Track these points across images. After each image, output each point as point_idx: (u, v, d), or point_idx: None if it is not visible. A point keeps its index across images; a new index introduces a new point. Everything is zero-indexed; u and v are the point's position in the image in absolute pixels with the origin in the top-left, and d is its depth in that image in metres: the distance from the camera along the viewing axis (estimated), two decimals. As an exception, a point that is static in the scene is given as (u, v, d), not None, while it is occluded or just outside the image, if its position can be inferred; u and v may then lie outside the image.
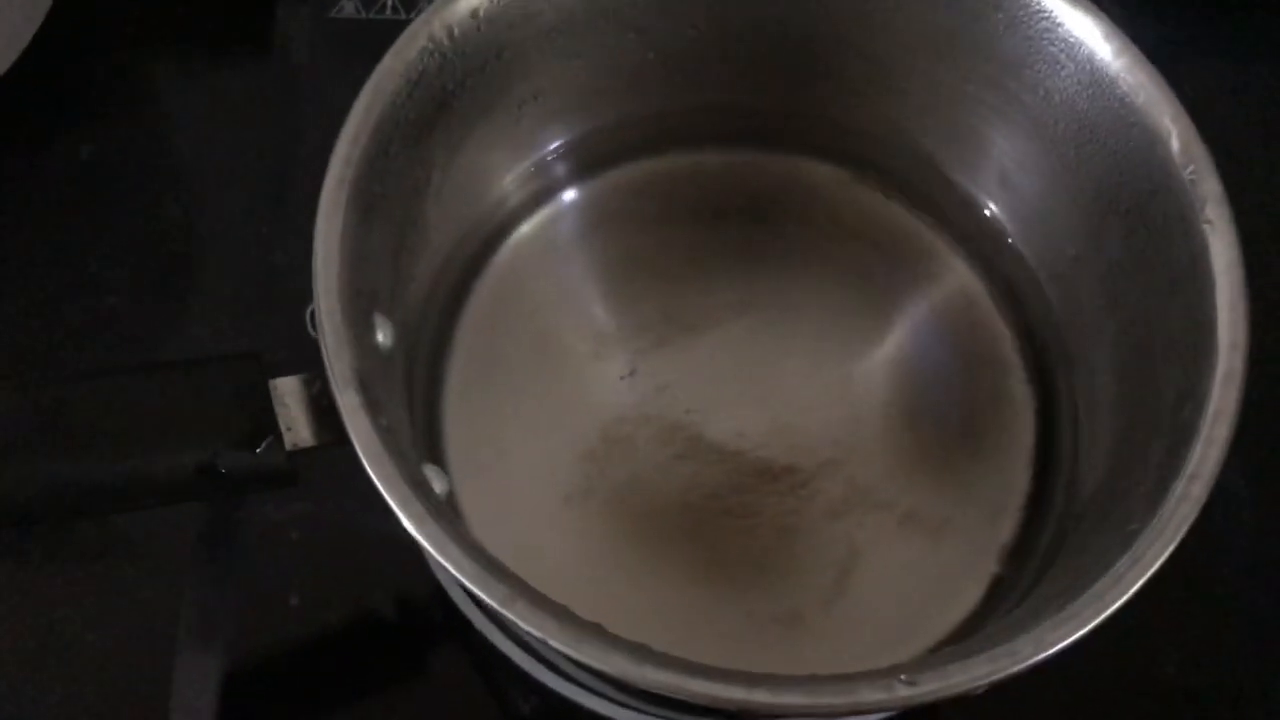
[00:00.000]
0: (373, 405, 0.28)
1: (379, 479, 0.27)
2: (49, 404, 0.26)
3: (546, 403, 0.38)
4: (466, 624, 0.37)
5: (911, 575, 0.37)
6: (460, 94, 0.34)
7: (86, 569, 0.39)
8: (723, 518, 0.37)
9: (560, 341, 0.39)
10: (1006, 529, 0.37)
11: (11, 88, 0.47)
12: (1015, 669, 0.26)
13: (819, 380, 0.39)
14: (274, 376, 0.29)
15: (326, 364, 0.28)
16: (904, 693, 0.26)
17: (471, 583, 0.26)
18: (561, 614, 0.26)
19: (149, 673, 0.37)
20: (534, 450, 0.38)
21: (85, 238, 0.46)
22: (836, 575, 0.37)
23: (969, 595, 0.36)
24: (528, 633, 0.26)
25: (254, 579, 0.38)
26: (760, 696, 0.26)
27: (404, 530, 0.36)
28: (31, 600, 0.38)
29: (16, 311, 0.44)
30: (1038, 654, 0.26)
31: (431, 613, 0.38)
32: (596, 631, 0.26)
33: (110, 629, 0.38)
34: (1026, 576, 0.36)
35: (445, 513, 0.27)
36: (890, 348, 0.40)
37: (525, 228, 0.40)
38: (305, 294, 0.42)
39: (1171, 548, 0.27)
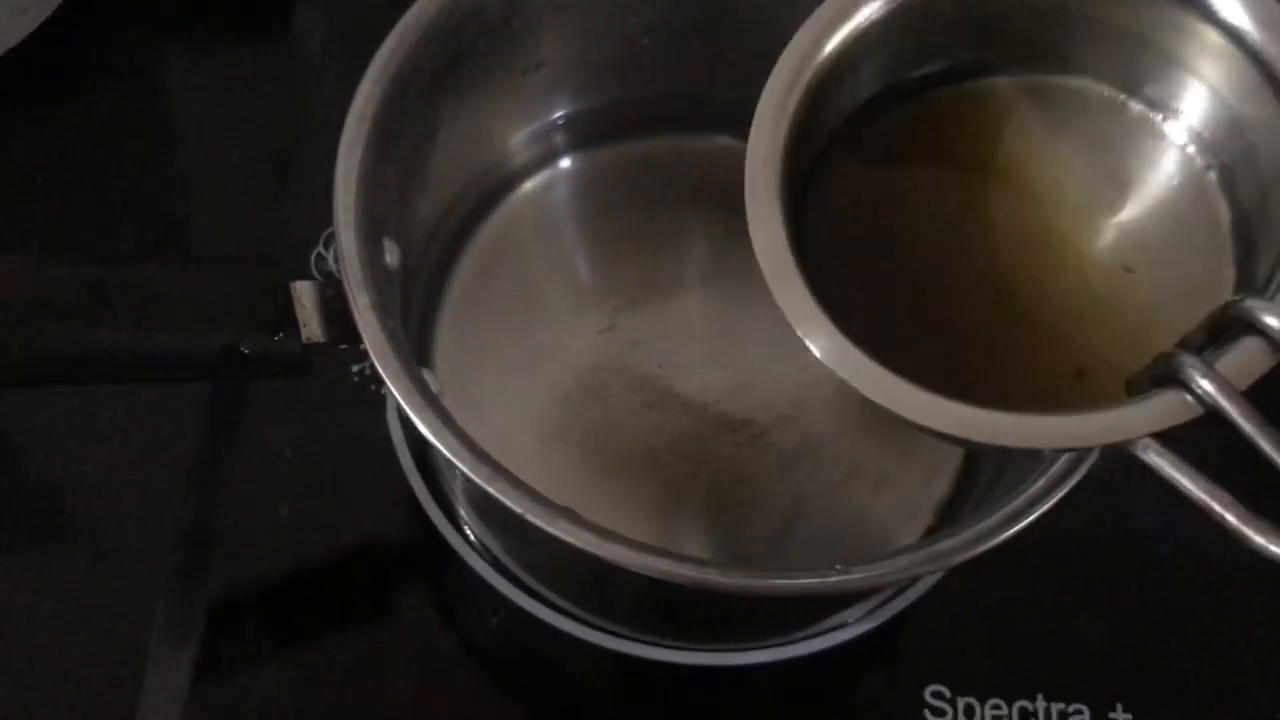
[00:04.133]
0: (382, 308, 0.31)
1: (385, 370, 0.30)
2: (96, 280, 0.29)
3: (529, 348, 0.42)
4: (442, 542, 0.40)
5: (853, 523, 0.40)
6: (471, 54, 0.37)
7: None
8: (684, 463, 0.41)
9: (545, 295, 0.43)
10: (942, 486, 0.41)
11: (38, 48, 0.49)
12: (935, 567, 0.29)
13: (779, 345, 0.41)
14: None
15: (342, 266, 0.31)
16: (835, 579, 0.29)
17: (463, 464, 0.30)
18: (537, 495, 0.30)
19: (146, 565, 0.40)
20: (514, 390, 0.41)
21: (98, 189, 0.48)
22: (784, 520, 0.40)
23: (904, 544, 0.40)
24: (507, 509, 0.29)
25: (249, 490, 0.41)
26: (711, 575, 0.29)
27: (402, 431, 0.40)
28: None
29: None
30: (957, 557, 0.30)
31: (411, 531, 0.41)
32: (569, 513, 0.30)
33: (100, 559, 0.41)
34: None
35: (440, 405, 0.31)
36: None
37: (525, 187, 0.44)
38: (306, 245, 0.46)
39: (1076, 479, 0.31)
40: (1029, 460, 0.37)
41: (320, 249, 0.45)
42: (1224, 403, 0.24)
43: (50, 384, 0.29)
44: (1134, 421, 0.25)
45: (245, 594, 0.40)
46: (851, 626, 0.40)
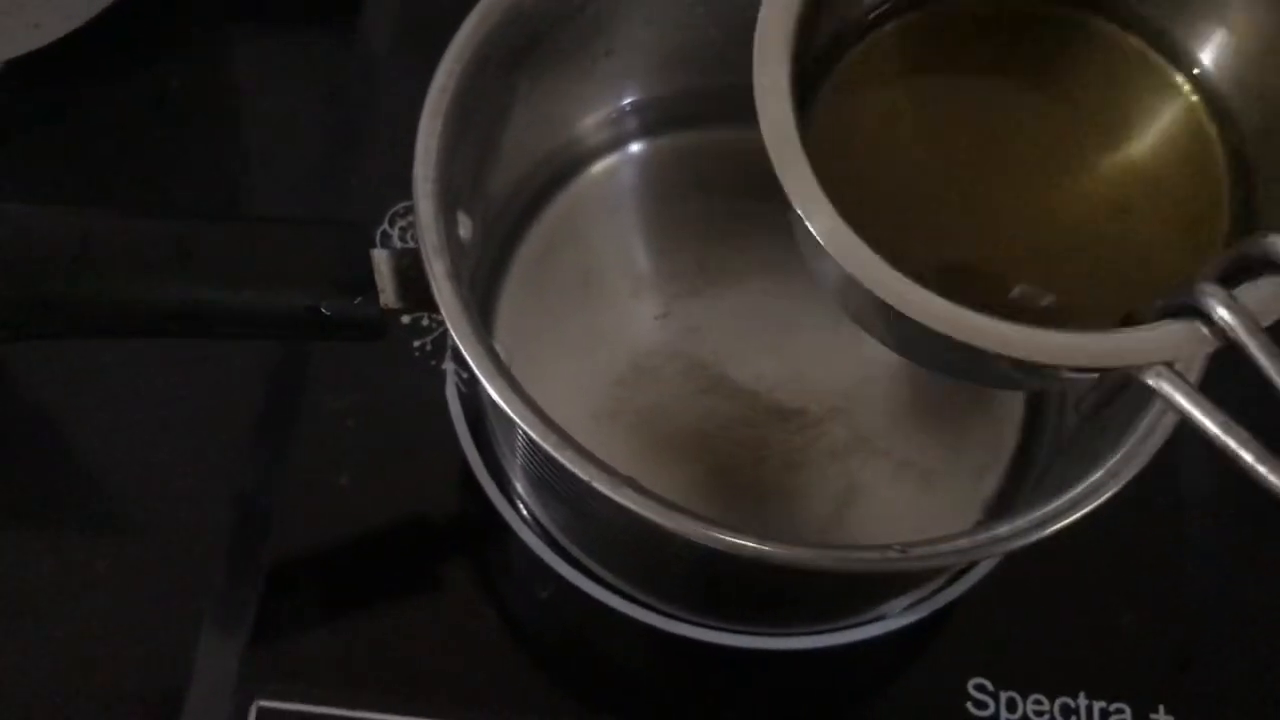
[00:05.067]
0: (457, 277, 0.32)
1: (459, 336, 0.31)
2: (185, 235, 0.30)
3: (585, 329, 0.42)
4: (495, 515, 0.41)
5: (902, 516, 0.41)
6: (548, 37, 0.38)
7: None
8: (735, 448, 0.41)
9: (605, 277, 0.43)
10: (990, 485, 0.41)
11: (111, 23, 0.50)
12: (994, 550, 0.30)
13: (834, 338, 0.43)
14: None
15: (419, 234, 0.32)
16: (896, 558, 0.29)
17: (532, 430, 0.30)
18: (602, 464, 0.30)
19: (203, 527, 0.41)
20: (570, 369, 0.42)
21: (162, 166, 0.49)
22: (834, 508, 0.41)
23: (953, 536, 0.40)
24: (572, 476, 0.30)
25: (309, 458, 0.42)
26: (771, 549, 0.29)
27: (460, 406, 0.40)
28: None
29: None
30: (1016, 541, 0.30)
31: (465, 504, 0.41)
32: (632, 482, 0.30)
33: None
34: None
35: (510, 373, 0.31)
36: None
37: (592, 170, 0.44)
38: (373, 223, 0.47)
39: (1141, 464, 0.31)
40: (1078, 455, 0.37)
41: (385, 226, 0.46)
42: (1244, 336, 0.23)
43: (135, 335, 0.30)
44: (1148, 345, 0.24)
45: (302, 561, 0.41)
46: (897, 617, 0.40)
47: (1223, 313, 0.23)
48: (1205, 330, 0.24)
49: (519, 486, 0.41)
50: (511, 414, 0.30)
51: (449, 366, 0.43)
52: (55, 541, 0.41)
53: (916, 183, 0.30)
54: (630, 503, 0.29)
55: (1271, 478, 0.22)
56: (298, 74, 0.52)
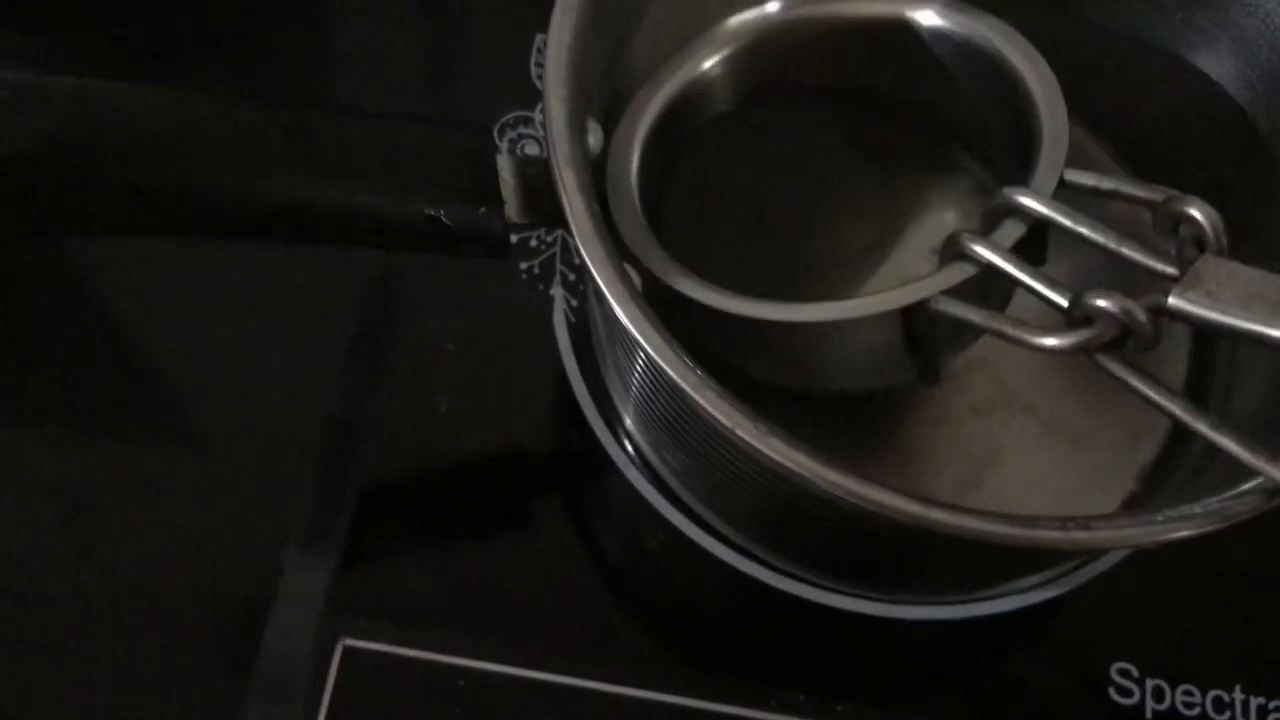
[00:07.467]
0: (588, 190, 0.28)
1: (589, 255, 0.28)
2: (295, 124, 0.26)
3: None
4: (602, 452, 0.38)
5: (1048, 480, 0.37)
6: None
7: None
8: (870, 402, 0.38)
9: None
10: (1148, 451, 0.38)
11: None
12: (1189, 533, 0.26)
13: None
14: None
15: (550, 143, 0.28)
16: (1078, 533, 0.26)
17: (669, 366, 0.27)
18: (746, 409, 0.27)
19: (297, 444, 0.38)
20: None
21: (251, 79, 0.46)
22: (973, 468, 0.37)
23: (1101, 509, 0.36)
24: (711, 420, 0.27)
25: (407, 382, 0.39)
26: (938, 515, 0.26)
27: (568, 335, 0.37)
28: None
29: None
30: (1210, 525, 0.27)
31: (570, 438, 0.38)
32: (779, 432, 0.27)
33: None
34: (1161, 499, 0.36)
35: (644, 301, 0.28)
36: (1054, 264, 0.40)
37: None
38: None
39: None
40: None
41: (494, 138, 0.42)
42: (994, 257, 0.30)
43: (232, 234, 0.27)
44: (928, 284, 0.31)
45: (393, 490, 0.38)
46: (1038, 590, 0.37)
47: (975, 246, 0.30)
48: (966, 264, 0.31)
49: (630, 424, 0.38)
50: (649, 348, 0.27)
51: (557, 292, 0.40)
52: (134, 457, 0.38)
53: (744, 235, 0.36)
54: (778, 455, 0.26)
55: (1034, 338, 0.29)
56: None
